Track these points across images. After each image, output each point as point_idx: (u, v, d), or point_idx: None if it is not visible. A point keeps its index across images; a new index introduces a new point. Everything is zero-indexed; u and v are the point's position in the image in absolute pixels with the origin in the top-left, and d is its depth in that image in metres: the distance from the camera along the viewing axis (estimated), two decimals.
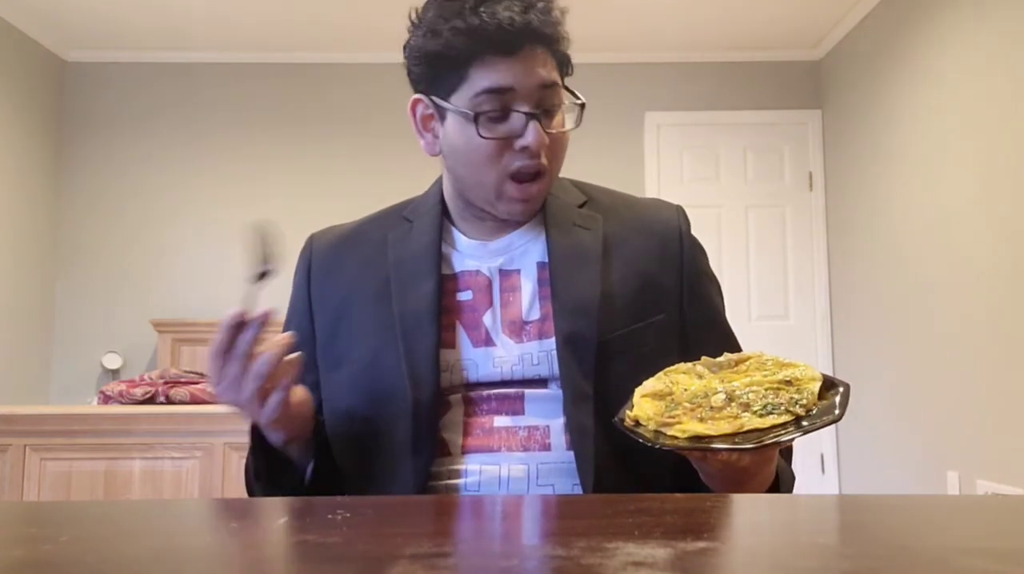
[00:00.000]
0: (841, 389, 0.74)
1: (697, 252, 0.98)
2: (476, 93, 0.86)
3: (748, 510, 0.65)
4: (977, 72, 2.98)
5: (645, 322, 0.91)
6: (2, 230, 3.98)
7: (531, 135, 0.86)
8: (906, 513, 0.64)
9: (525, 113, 0.86)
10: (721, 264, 4.36)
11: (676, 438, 0.71)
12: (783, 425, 0.71)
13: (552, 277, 0.91)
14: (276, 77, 4.52)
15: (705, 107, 4.48)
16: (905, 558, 0.46)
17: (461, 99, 0.87)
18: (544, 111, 0.88)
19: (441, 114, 0.90)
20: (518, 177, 0.89)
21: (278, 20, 4.10)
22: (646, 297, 0.92)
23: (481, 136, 0.86)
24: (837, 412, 0.71)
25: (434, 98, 0.90)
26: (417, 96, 0.92)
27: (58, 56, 4.45)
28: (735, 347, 0.96)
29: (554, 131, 0.89)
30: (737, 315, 4.26)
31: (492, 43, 0.84)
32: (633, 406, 0.77)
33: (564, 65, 0.91)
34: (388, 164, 4.43)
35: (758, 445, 0.70)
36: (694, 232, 1.00)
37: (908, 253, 3.45)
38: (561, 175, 1.00)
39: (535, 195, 0.90)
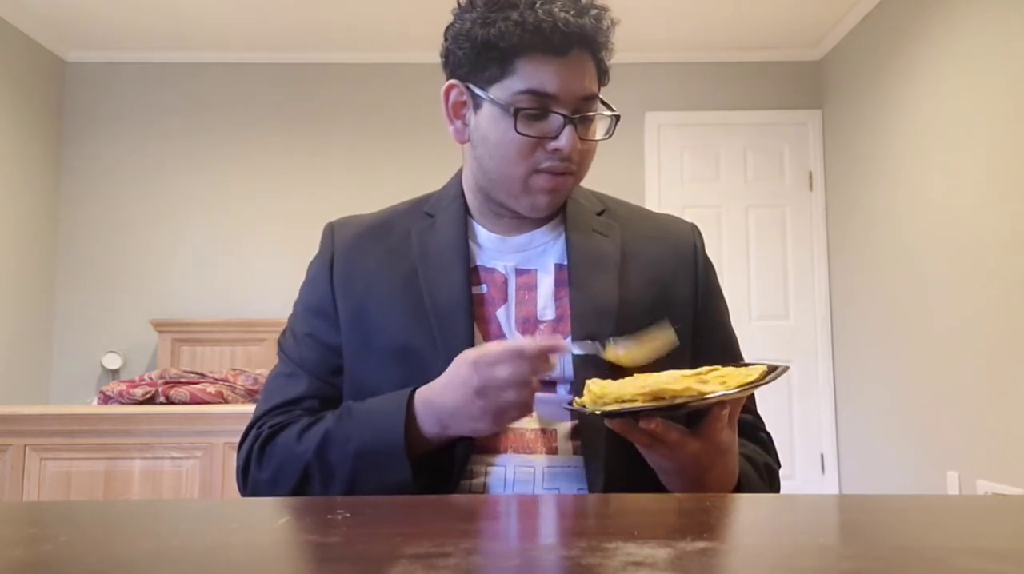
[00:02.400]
0: (780, 367, 0.77)
1: (710, 270, 1.01)
2: (518, 90, 0.86)
3: (748, 510, 0.65)
4: (977, 71, 2.98)
5: None
6: (2, 230, 3.98)
7: (565, 139, 0.87)
8: (906, 513, 0.64)
9: (564, 116, 0.87)
10: (721, 264, 4.36)
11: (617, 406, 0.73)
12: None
13: (571, 278, 0.92)
14: (276, 77, 4.52)
15: (705, 107, 4.48)
16: (905, 558, 0.46)
17: (501, 91, 0.88)
18: (581, 118, 0.89)
19: (476, 102, 0.91)
20: (548, 172, 0.90)
21: (278, 20, 4.10)
22: (661, 306, 0.93)
23: (518, 132, 0.87)
24: (772, 373, 0.74)
25: (471, 86, 0.90)
26: (452, 82, 0.93)
27: (58, 56, 4.45)
28: (737, 356, 0.99)
29: (588, 139, 0.90)
30: (737, 315, 4.26)
31: (544, 41, 0.85)
32: (584, 394, 0.78)
33: (603, 74, 0.92)
34: (391, 163, 4.43)
35: (691, 400, 0.71)
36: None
37: (908, 253, 3.45)
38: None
39: (562, 187, 0.91)
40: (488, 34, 0.86)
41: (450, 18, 0.92)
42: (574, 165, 0.90)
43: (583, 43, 0.87)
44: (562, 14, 0.85)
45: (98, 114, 4.49)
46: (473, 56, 0.88)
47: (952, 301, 3.10)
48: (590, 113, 0.90)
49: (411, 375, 0.88)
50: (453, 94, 0.93)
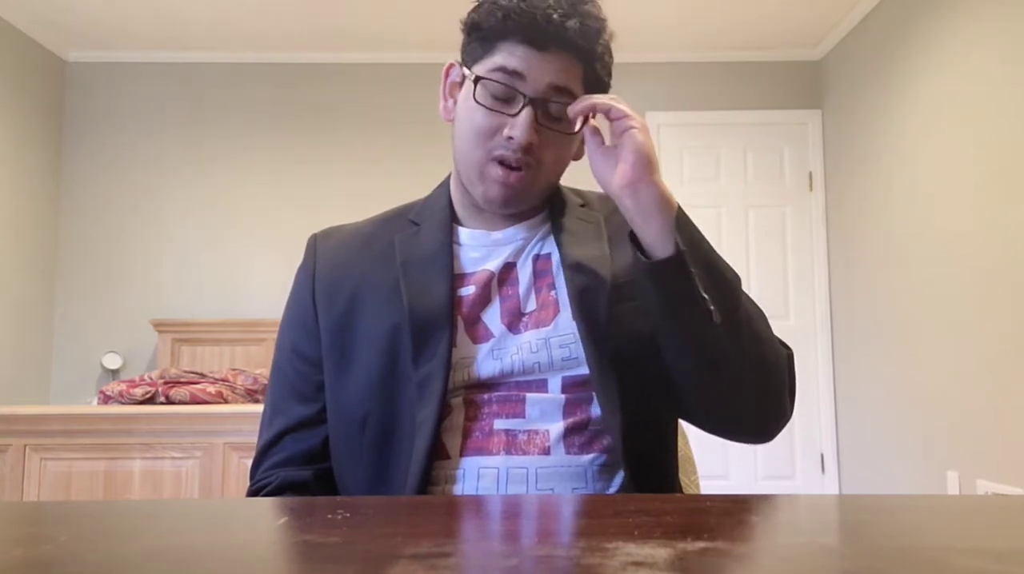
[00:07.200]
0: None
1: None
2: (491, 67, 0.88)
3: (748, 510, 0.65)
4: (977, 72, 2.98)
5: None
6: (2, 230, 3.98)
7: (520, 124, 0.87)
8: (906, 513, 0.64)
9: (524, 96, 0.87)
10: None
11: None
12: None
13: (560, 245, 0.94)
14: (276, 77, 4.52)
15: (705, 107, 4.48)
16: (905, 558, 0.46)
17: (479, 69, 0.90)
18: (544, 109, 0.88)
19: (463, 81, 0.93)
20: (502, 162, 0.89)
21: (278, 20, 4.10)
22: None
23: (475, 100, 0.88)
24: None
25: (464, 65, 0.93)
26: (453, 61, 0.96)
27: (58, 56, 4.45)
28: None
29: (550, 127, 0.88)
30: None
31: (523, 31, 0.86)
32: None
33: (594, 85, 0.91)
34: (391, 163, 4.43)
35: None
36: None
37: (908, 253, 3.45)
38: (561, 182, 1.00)
39: (514, 184, 0.90)
40: (475, 16, 0.90)
41: (450, 19, 0.95)
42: (532, 159, 0.89)
43: (564, 43, 0.86)
44: (547, 10, 0.85)
45: (98, 114, 4.49)
46: (465, 37, 0.93)
47: (952, 301, 3.10)
48: (562, 111, 0.88)
49: (387, 394, 0.87)
50: (452, 72, 0.96)
